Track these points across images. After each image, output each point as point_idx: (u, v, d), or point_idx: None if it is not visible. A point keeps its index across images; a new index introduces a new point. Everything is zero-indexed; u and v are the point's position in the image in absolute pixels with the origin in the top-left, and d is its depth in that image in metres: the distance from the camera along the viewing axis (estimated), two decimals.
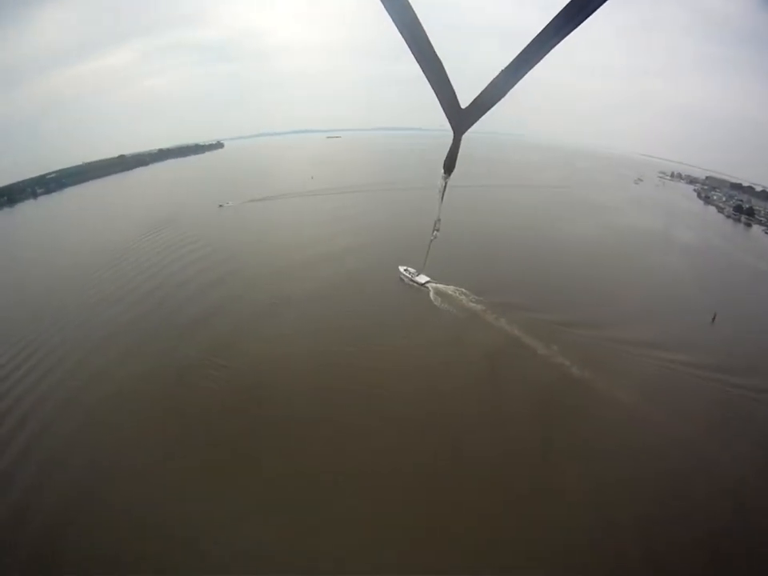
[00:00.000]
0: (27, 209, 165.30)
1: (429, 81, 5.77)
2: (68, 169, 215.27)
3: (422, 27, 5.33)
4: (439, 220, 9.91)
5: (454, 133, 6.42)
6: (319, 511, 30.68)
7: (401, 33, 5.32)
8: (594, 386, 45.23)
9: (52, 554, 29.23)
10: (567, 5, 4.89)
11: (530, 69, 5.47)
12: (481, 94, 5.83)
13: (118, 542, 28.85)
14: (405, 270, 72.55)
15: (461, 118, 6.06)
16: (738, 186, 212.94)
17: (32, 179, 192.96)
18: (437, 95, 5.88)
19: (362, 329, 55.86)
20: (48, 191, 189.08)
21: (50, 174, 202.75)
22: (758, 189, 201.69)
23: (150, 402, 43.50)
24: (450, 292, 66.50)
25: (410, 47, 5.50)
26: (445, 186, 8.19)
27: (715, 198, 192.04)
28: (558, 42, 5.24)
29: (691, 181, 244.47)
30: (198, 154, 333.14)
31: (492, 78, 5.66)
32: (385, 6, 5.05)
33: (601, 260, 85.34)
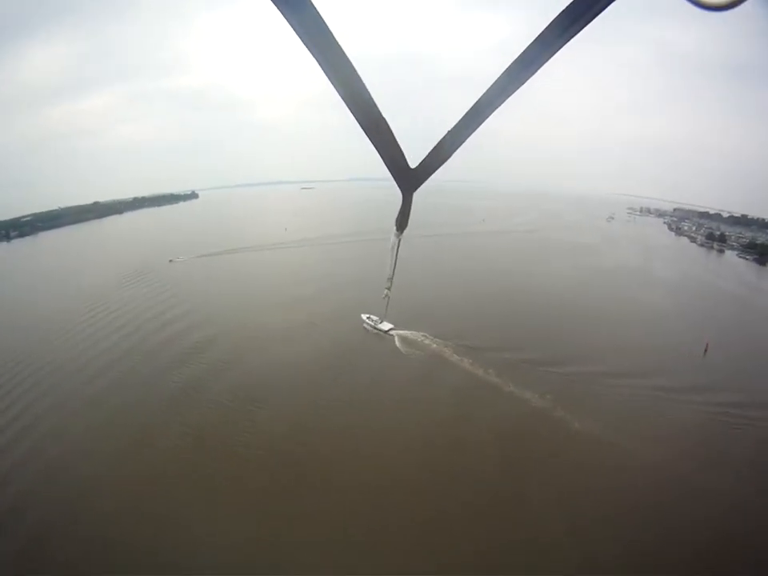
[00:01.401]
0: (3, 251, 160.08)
1: (373, 143, 5.38)
2: (43, 213, 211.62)
3: (363, 85, 4.90)
4: (390, 278, 9.49)
5: (403, 193, 6.12)
6: None
7: (339, 92, 4.84)
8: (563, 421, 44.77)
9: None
10: (510, 66, 4.54)
11: (480, 123, 5.24)
12: (431, 151, 5.65)
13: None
14: (368, 317, 71.17)
15: (410, 178, 5.79)
16: (705, 215, 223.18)
17: (6, 221, 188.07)
18: (382, 157, 5.52)
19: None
20: (21, 235, 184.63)
21: (24, 216, 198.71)
22: (725, 215, 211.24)
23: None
24: (417, 338, 65.16)
25: (349, 108, 5.00)
26: (398, 244, 8.00)
27: (686, 228, 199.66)
28: (508, 97, 4.93)
29: (660, 214, 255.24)
30: (172, 203, 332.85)
31: (442, 136, 5.47)
32: (321, 65, 4.51)
33: (581, 301, 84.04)
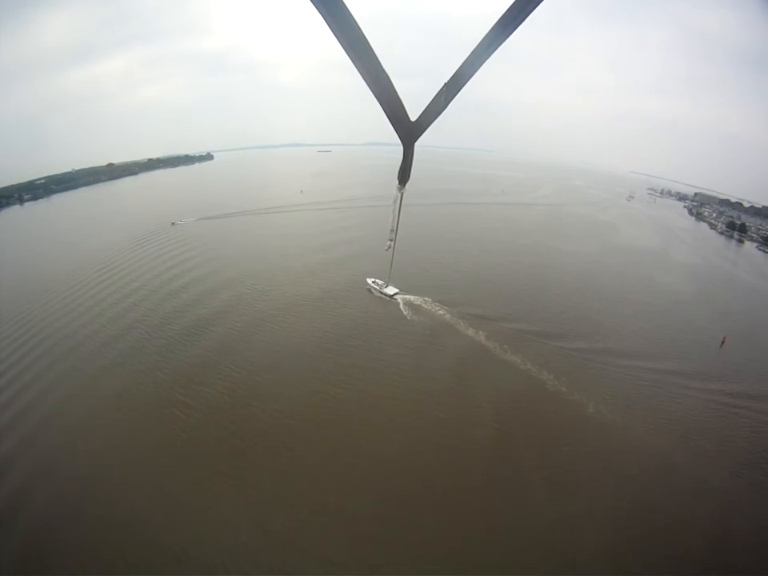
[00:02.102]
0: (11, 215, 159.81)
1: (375, 95, 5.78)
2: (57, 175, 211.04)
3: (366, 41, 5.29)
4: (393, 230, 9.82)
5: (404, 145, 6.59)
6: None
7: (343, 47, 5.25)
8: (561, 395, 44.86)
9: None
10: (504, 13, 5.23)
11: (473, 73, 5.81)
12: (430, 103, 6.08)
13: None
14: (373, 281, 71.00)
15: (411, 129, 6.24)
16: (726, 202, 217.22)
17: (20, 184, 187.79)
18: (384, 109, 5.97)
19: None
20: (35, 198, 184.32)
21: (38, 179, 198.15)
22: (746, 204, 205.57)
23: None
24: (423, 305, 64.79)
25: (353, 62, 5.43)
26: (401, 198, 8.31)
27: (706, 214, 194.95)
28: (498, 47, 5.55)
29: (680, 197, 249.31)
30: (187, 164, 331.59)
31: (439, 88, 5.92)
32: (326, 21, 4.95)
33: (602, 280, 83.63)
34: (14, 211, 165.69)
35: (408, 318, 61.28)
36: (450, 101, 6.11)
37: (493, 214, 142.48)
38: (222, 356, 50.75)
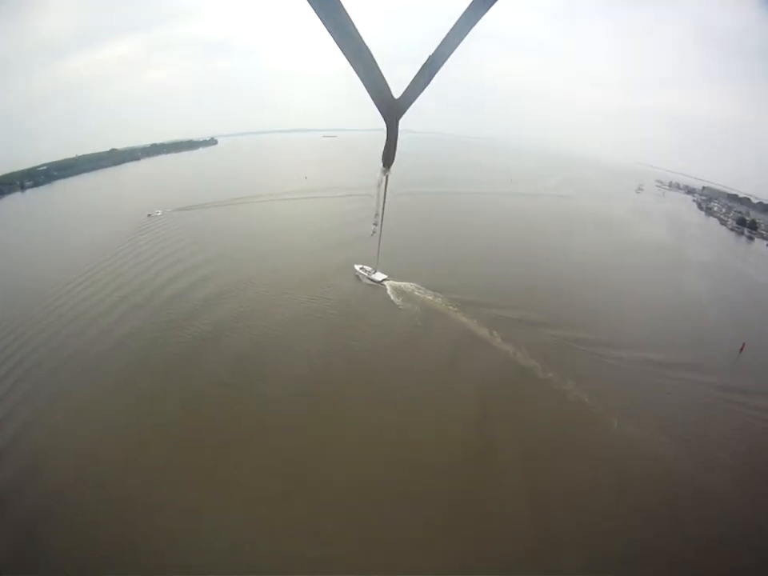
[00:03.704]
0: (11, 203, 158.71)
1: (357, 72, 5.57)
2: (59, 162, 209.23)
3: (348, 15, 5.03)
4: (378, 215, 9.61)
5: (388, 123, 6.31)
6: None
7: (323, 22, 4.99)
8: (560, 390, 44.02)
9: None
10: None
11: (455, 47, 5.67)
12: (413, 80, 5.88)
13: None
14: (360, 268, 69.91)
15: (394, 106, 6.01)
16: (734, 198, 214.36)
17: (22, 171, 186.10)
18: (366, 86, 5.74)
19: None
20: (36, 184, 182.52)
21: (40, 166, 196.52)
22: (755, 201, 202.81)
23: None
24: (411, 291, 64.39)
25: (334, 38, 5.16)
26: (386, 181, 7.98)
27: (715, 209, 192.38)
28: (479, 20, 5.39)
29: (689, 191, 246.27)
30: (191, 150, 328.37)
31: (422, 63, 5.75)
32: None
33: (614, 276, 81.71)
34: (13, 199, 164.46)
35: (397, 304, 61.09)
36: (433, 76, 5.95)
37: (501, 205, 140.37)
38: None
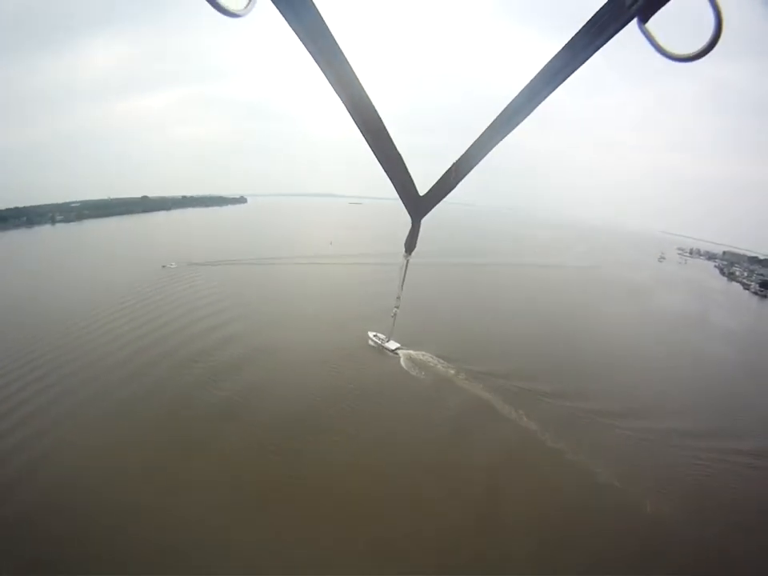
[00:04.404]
0: (43, 234, 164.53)
1: (386, 171, 5.82)
2: (91, 201, 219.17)
3: (379, 117, 5.28)
4: (398, 297, 9.89)
5: (412, 218, 6.76)
6: None
7: (356, 124, 5.18)
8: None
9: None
10: (511, 102, 5.08)
11: (482, 157, 5.75)
12: (438, 181, 6.07)
13: None
14: (374, 335, 69.12)
15: (419, 205, 6.35)
16: (756, 260, 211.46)
17: (55, 205, 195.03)
18: (394, 185, 6.00)
19: None
20: (67, 220, 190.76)
21: (74, 202, 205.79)
22: None
23: None
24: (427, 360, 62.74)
25: (366, 139, 5.40)
26: (406, 265, 8.54)
27: (737, 273, 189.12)
28: (509, 132, 5.38)
29: (710, 257, 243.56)
30: (220, 205, 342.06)
31: (448, 168, 5.89)
32: (340, 98, 4.85)
33: (645, 347, 77.99)
34: (46, 230, 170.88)
35: (413, 375, 59.30)
36: (460, 180, 6.05)
37: (527, 278, 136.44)
38: None
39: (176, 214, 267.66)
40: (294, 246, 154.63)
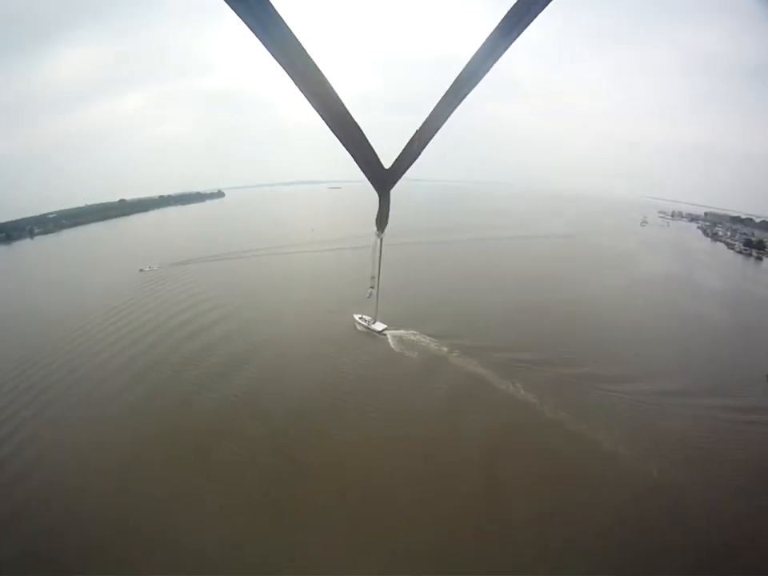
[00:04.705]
0: (23, 248, 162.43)
1: (345, 146, 5.69)
2: (68, 210, 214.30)
3: (334, 92, 5.14)
4: (374, 277, 9.85)
5: (379, 193, 6.58)
6: None
7: (309, 101, 5.11)
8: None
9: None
10: (463, 71, 5.31)
11: (443, 122, 5.79)
12: (402, 151, 6.04)
13: None
14: (360, 317, 68.90)
15: (386, 178, 6.25)
16: (737, 219, 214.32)
17: (33, 218, 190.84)
18: (356, 160, 5.89)
19: None
20: (45, 232, 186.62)
21: (50, 213, 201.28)
22: (757, 220, 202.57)
23: None
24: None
25: (322, 116, 5.25)
26: (380, 244, 8.28)
27: (720, 233, 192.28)
28: (466, 95, 5.54)
29: (692, 218, 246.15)
30: (198, 202, 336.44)
31: (410, 136, 5.90)
32: (288, 74, 4.78)
33: (634, 312, 78.87)
34: (23, 245, 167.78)
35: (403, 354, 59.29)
36: (423, 147, 6.03)
37: (510, 249, 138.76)
38: None
39: (155, 214, 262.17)
40: (276, 237, 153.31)
